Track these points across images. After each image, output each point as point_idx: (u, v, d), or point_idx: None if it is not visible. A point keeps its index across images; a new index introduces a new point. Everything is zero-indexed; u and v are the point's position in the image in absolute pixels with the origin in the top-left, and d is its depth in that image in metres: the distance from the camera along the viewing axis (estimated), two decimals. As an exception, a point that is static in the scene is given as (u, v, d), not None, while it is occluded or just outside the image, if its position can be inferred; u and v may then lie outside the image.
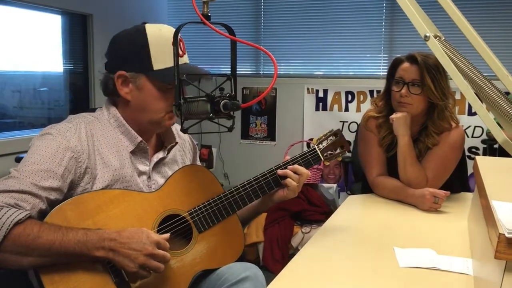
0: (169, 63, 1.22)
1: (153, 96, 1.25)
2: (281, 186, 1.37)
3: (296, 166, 1.36)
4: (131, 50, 1.24)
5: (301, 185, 1.37)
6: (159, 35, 1.24)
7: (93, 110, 1.34)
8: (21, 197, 1.09)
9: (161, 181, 1.33)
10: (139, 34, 1.24)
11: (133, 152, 1.29)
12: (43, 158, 1.14)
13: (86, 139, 1.21)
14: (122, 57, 1.26)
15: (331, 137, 1.42)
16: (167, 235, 1.17)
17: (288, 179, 1.35)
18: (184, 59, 1.27)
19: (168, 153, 1.38)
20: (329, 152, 1.41)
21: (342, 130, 1.45)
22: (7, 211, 1.05)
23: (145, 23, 1.26)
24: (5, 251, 1.06)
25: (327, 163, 1.40)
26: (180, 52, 1.25)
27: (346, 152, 1.44)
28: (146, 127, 1.31)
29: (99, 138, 1.25)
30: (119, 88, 1.25)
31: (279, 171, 1.36)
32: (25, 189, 1.10)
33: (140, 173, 1.30)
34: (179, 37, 1.25)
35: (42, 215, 1.13)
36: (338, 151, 1.43)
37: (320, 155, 1.39)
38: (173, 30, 1.26)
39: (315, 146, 1.39)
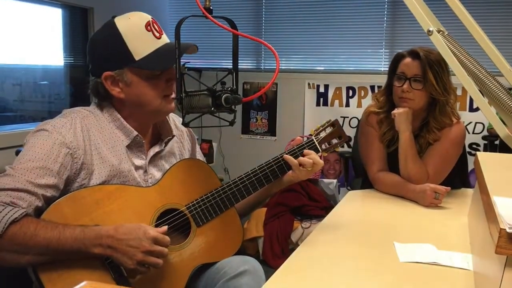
0: (148, 49, 1.21)
1: (143, 87, 1.23)
2: (282, 174, 1.36)
3: (310, 151, 1.34)
4: (108, 49, 1.23)
5: (314, 171, 1.35)
6: (130, 24, 1.22)
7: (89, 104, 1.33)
8: (17, 195, 1.08)
9: (158, 175, 1.32)
10: (111, 30, 1.22)
11: (129, 147, 1.27)
12: (39, 155, 1.13)
13: (81, 134, 1.20)
14: (102, 58, 1.24)
15: (328, 128, 1.41)
16: (165, 228, 1.16)
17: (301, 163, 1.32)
18: (164, 39, 1.25)
19: (165, 146, 1.36)
20: (327, 142, 1.40)
21: (342, 126, 1.43)
22: (3, 209, 1.04)
23: (114, 16, 1.25)
24: (2, 250, 1.05)
25: (325, 154, 1.38)
26: (157, 34, 1.24)
27: (345, 142, 1.42)
28: (147, 119, 1.30)
29: (95, 133, 1.23)
30: (110, 89, 1.23)
31: (286, 156, 1.33)
32: (20, 187, 1.09)
33: (137, 168, 1.28)
34: (150, 18, 1.23)
35: (38, 212, 1.12)
36: (336, 141, 1.42)
37: (318, 146, 1.37)
38: (142, 14, 1.24)
39: (313, 137, 1.38)
